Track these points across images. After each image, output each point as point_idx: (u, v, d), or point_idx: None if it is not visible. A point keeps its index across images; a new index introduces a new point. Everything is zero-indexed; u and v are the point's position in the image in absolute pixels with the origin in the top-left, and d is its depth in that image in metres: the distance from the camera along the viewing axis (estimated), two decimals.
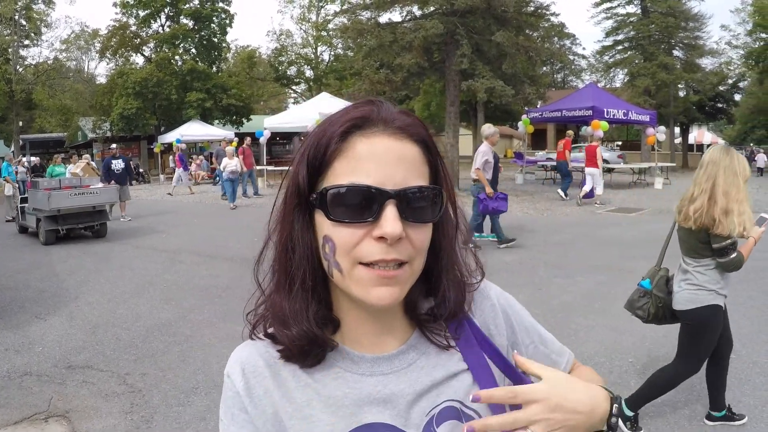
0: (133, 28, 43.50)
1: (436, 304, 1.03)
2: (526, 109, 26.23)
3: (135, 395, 5.23)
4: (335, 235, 0.89)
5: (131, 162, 21.80)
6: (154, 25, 44.19)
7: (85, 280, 9.85)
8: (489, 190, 10.37)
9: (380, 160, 0.89)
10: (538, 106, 28.26)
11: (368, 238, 0.88)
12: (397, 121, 0.93)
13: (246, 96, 43.80)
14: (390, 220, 0.86)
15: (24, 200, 15.47)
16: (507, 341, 1.09)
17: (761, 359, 5.49)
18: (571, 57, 54.81)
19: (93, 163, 19.58)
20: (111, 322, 7.46)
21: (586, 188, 16.87)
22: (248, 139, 22.85)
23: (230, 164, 19.15)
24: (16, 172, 25.52)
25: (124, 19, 43.17)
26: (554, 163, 25.94)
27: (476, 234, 11.12)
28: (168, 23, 43.94)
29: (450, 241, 1.02)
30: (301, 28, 55.45)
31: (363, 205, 0.87)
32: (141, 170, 35.20)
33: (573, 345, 5.75)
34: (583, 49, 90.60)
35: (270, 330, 1.01)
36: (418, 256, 0.92)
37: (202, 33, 44.72)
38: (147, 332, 6.96)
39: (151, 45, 44.02)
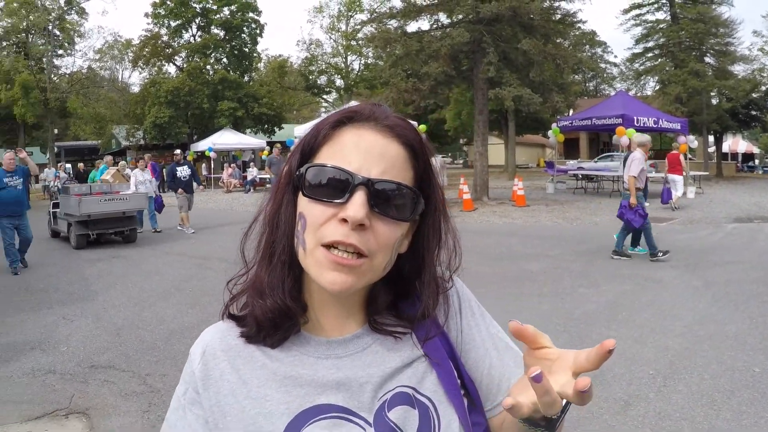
0: (165, 38, 44.19)
1: (400, 302, 1.05)
2: (557, 117, 26.05)
3: (154, 395, 5.31)
4: (307, 212, 0.93)
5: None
6: (186, 35, 44.89)
7: (113, 283, 9.99)
8: (633, 200, 9.97)
9: (363, 151, 0.93)
10: (569, 115, 28.09)
11: (334, 219, 0.90)
12: (388, 120, 0.97)
13: (277, 105, 44.21)
14: (356, 204, 0.88)
15: (56, 205, 15.77)
16: (462, 336, 1.10)
17: None
18: (603, 65, 54.22)
19: (129, 171, 19.47)
20: (135, 324, 7.56)
21: (678, 193, 17.09)
22: (279, 147, 22.88)
23: None
24: (58, 177, 26.05)
25: (156, 30, 43.91)
26: (586, 172, 25.77)
27: (631, 247, 10.86)
28: (199, 33, 44.57)
29: (431, 255, 1.03)
30: (330, 38, 55.65)
31: (336, 187, 0.91)
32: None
33: None
34: (615, 56, 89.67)
35: (240, 312, 1.06)
36: (380, 251, 0.93)
37: (233, 43, 45.28)
38: (170, 335, 7.04)
39: (183, 55, 44.65)
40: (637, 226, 10.10)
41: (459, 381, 1.04)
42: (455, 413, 0.99)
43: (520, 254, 11.27)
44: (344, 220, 0.89)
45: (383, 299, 1.04)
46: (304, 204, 0.94)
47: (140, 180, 16.52)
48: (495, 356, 1.08)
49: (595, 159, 33.43)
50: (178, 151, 18.05)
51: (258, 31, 46.29)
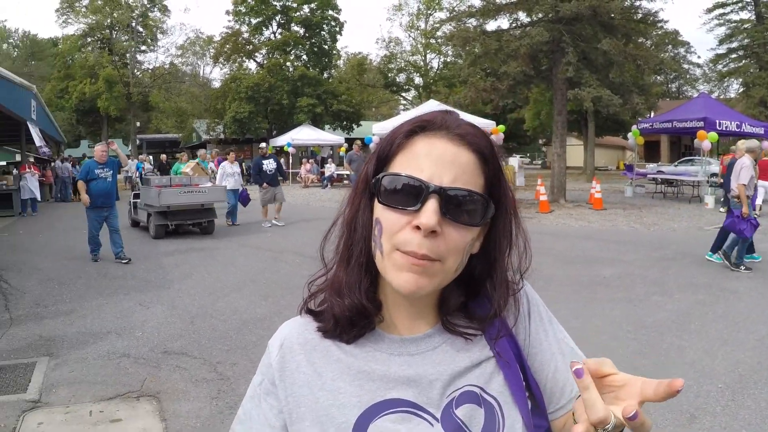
0: (246, 35, 44.99)
1: (471, 303, 1.09)
2: (638, 119, 25.39)
3: (223, 383, 5.48)
4: (383, 218, 0.97)
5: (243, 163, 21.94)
6: (266, 32, 45.62)
7: (189, 273, 10.31)
8: (746, 209, 9.53)
9: (435, 159, 0.96)
10: (650, 116, 27.35)
11: (408, 226, 0.94)
12: (460, 128, 1.00)
13: (356, 102, 44.52)
14: (428, 211, 0.92)
15: (137, 196, 16.33)
16: (530, 341, 1.12)
17: None
18: (686, 66, 52.35)
19: (211, 165, 19.86)
20: (209, 313, 7.81)
21: (759, 201, 16.64)
22: (359, 143, 22.97)
23: None
24: (144, 169, 27.00)
25: (237, 27, 44.76)
26: (666, 176, 25.06)
27: (709, 253, 10.55)
28: (279, 30, 45.23)
29: (502, 256, 1.07)
30: (410, 36, 55.78)
31: (410, 194, 0.94)
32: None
33: (661, 366, 5.59)
34: (698, 57, 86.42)
35: (318, 308, 1.12)
36: (450, 255, 0.96)
37: (313, 40, 45.80)
38: (242, 325, 7.24)
39: (263, 51, 45.37)
40: (748, 236, 9.65)
41: (524, 383, 1.07)
42: (519, 414, 1.02)
43: (595, 258, 11.07)
44: (417, 227, 0.93)
45: (455, 300, 1.08)
46: (380, 210, 0.98)
47: (228, 173, 16.60)
48: (560, 360, 1.10)
49: (675, 163, 32.38)
50: (263, 145, 17.93)
51: (337, 29, 46.68)
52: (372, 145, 24.81)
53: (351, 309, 1.04)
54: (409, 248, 0.93)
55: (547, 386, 1.09)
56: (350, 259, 1.06)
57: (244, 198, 17.07)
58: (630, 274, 9.65)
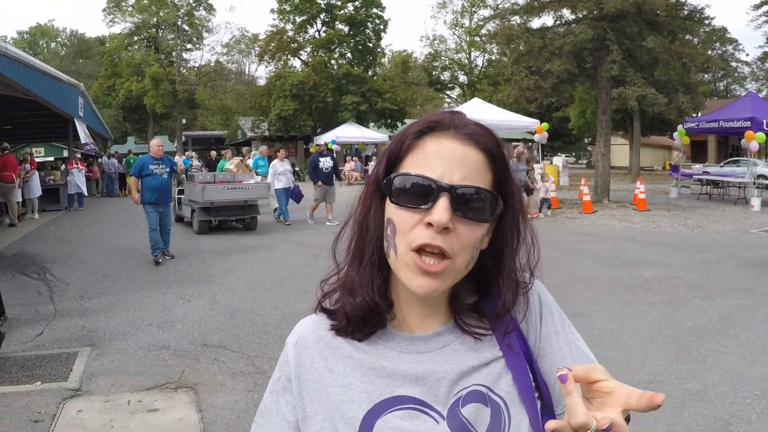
0: (290, 33, 45.28)
1: (483, 302, 1.11)
2: (684, 119, 24.89)
3: (260, 376, 5.57)
4: (396, 217, 1.00)
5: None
6: (311, 31, 45.89)
7: (231, 268, 10.46)
8: None
9: (445, 158, 0.99)
10: (698, 116, 26.81)
11: (421, 224, 0.97)
12: (467, 128, 1.03)
13: (400, 100, 44.51)
14: (440, 209, 0.95)
15: (181, 192, 16.59)
16: (540, 342, 1.13)
17: None
18: (734, 64, 50.98)
19: (249, 161, 19.98)
20: (249, 308, 7.94)
21: None
22: None
23: None
24: (191, 166, 27.52)
25: (282, 25, 45.09)
26: (710, 177, 24.55)
27: None
28: (324, 28, 45.44)
29: (511, 250, 1.09)
30: (454, 33, 55.46)
31: (421, 193, 0.97)
32: (296, 169, 36.73)
33: (698, 371, 5.53)
34: (747, 55, 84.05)
35: (332, 306, 1.15)
36: (462, 251, 0.99)
37: (357, 38, 45.91)
38: (281, 320, 7.33)
39: (308, 49, 45.63)
40: None
41: (534, 383, 1.08)
42: (526, 414, 1.04)
43: (636, 260, 10.93)
44: (430, 224, 0.96)
45: (465, 297, 1.11)
46: (392, 210, 1.01)
47: (279, 171, 16.43)
48: (570, 363, 1.10)
49: (722, 164, 31.69)
50: (322, 142, 17.59)
51: (382, 27, 46.74)
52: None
53: (363, 307, 1.07)
54: (423, 241, 0.96)
55: (556, 388, 1.09)
56: (362, 259, 1.09)
57: (297, 194, 17.13)
58: (671, 277, 9.51)
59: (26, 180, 17.93)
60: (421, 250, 0.97)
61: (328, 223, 15.52)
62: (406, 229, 0.98)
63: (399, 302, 1.10)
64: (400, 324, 1.10)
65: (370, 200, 1.08)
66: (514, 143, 26.42)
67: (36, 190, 18.69)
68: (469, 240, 1.00)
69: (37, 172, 19.23)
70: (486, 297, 1.11)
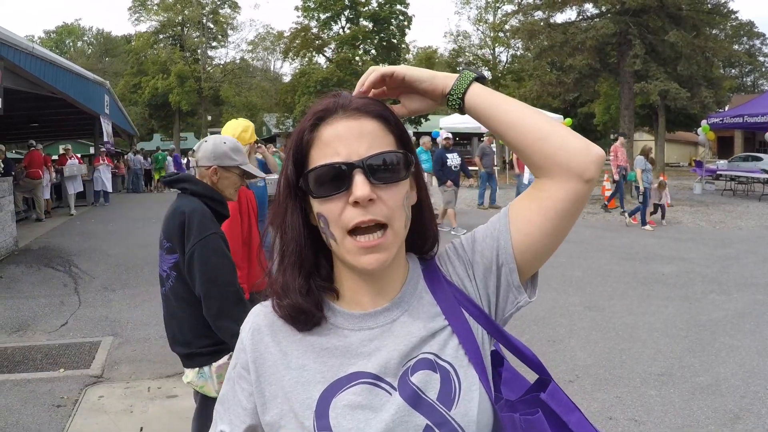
0: (315, 30, 45.32)
1: (421, 240, 1.20)
2: (709, 114, 24.64)
3: None
4: (324, 210, 1.05)
5: None
6: (335, 27, 45.84)
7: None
8: None
9: (344, 139, 1.05)
10: (724, 110, 26.49)
11: (348, 206, 1.03)
12: (353, 103, 1.09)
13: None
14: (359, 185, 1.01)
15: None
16: (481, 284, 1.19)
17: None
18: (761, 58, 50.23)
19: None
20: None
21: None
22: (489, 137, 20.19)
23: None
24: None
25: (306, 22, 45.15)
26: (738, 174, 24.27)
27: None
28: (348, 25, 45.42)
29: (426, 192, 1.19)
30: (478, 29, 55.15)
31: (337, 179, 1.03)
32: None
33: (710, 365, 5.57)
34: None
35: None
36: (394, 215, 1.06)
37: (382, 35, 45.79)
38: None
39: (332, 46, 45.67)
40: None
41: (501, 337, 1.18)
42: (477, 376, 1.09)
43: (655, 255, 10.89)
44: (356, 203, 1.01)
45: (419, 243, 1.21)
46: (317, 205, 1.07)
47: None
48: (486, 232, 1.19)
49: (728, 159, 31.22)
50: (448, 135, 14.96)
51: (406, 23, 46.58)
52: (439, 139, 24.44)
53: (292, 309, 1.11)
54: (355, 221, 1.02)
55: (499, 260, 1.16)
56: (282, 261, 1.13)
57: None
58: (689, 272, 9.49)
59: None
60: (356, 230, 1.03)
61: (453, 232, 13.09)
62: (336, 216, 1.04)
63: (346, 283, 1.14)
64: (350, 303, 1.14)
65: (285, 204, 1.12)
66: None
67: (77, 185, 19.13)
68: (396, 201, 1.06)
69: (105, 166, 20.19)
70: (423, 237, 1.20)
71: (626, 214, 15.03)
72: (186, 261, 2.84)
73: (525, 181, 15.79)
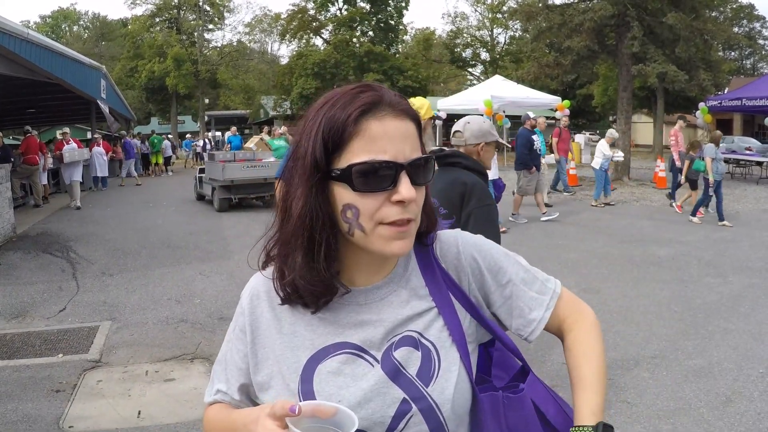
0: (312, 12, 45.09)
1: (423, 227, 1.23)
2: (707, 97, 24.54)
3: None
4: (359, 202, 1.07)
5: None
6: (332, 9, 45.63)
7: (250, 244, 10.41)
8: None
9: (392, 138, 1.07)
10: (723, 93, 26.37)
11: (387, 202, 1.07)
12: (400, 104, 1.11)
13: (423, 77, 44.25)
14: (405, 186, 1.06)
15: (202, 170, 16.81)
16: (476, 285, 1.26)
17: None
18: (761, 41, 49.97)
19: (266, 138, 19.96)
20: None
21: None
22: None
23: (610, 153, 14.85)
24: (194, 147, 27.68)
25: (303, 4, 44.88)
26: (736, 157, 24.21)
27: None
28: (345, 7, 45.18)
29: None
30: (476, 10, 54.99)
31: (383, 176, 1.05)
32: None
33: (703, 348, 5.60)
34: None
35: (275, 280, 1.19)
36: (420, 211, 1.14)
37: (379, 16, 45.61)
38: None
39: (329, 28, 45.47)
40: None
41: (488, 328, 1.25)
42: (458, 357, 1.17)
43: (651, 238, 10.93)
44: (398, 202, 1.06)
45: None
46: (351, 196, 1.06)
47: None
48: (524, 293, 1.26)
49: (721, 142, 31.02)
50: (531, 114, 13.81)
51: (404, 4, 46.35)
52: (437, 121, 23.95)
53: (316, 285, 1.12)
54: (394, 218, 1.06)
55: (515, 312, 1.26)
56: (313, 247, 1.10)
57: (500, 190, 15.23)
58: (685, 255, 9.52)
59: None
60: (391, 222, 1.07)
61: (544, 219, 12.73)
62: (372, 210, 1.06)
63: (348, 265, 1.18)
64: (346, 281, 1.18)
65: (309, 185, 1.08)
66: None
67: (76, 173, 17.51)
68: (422, 200, 1.14)
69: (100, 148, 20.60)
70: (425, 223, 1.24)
71: (674, 200, 14.67)
72: (461, 222, 3.05)
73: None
